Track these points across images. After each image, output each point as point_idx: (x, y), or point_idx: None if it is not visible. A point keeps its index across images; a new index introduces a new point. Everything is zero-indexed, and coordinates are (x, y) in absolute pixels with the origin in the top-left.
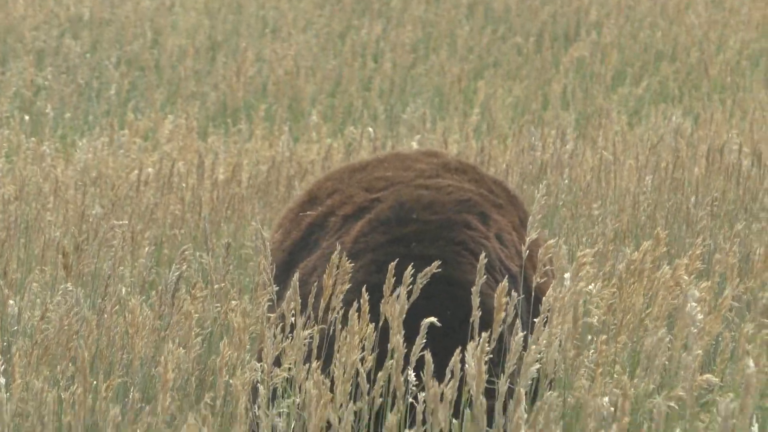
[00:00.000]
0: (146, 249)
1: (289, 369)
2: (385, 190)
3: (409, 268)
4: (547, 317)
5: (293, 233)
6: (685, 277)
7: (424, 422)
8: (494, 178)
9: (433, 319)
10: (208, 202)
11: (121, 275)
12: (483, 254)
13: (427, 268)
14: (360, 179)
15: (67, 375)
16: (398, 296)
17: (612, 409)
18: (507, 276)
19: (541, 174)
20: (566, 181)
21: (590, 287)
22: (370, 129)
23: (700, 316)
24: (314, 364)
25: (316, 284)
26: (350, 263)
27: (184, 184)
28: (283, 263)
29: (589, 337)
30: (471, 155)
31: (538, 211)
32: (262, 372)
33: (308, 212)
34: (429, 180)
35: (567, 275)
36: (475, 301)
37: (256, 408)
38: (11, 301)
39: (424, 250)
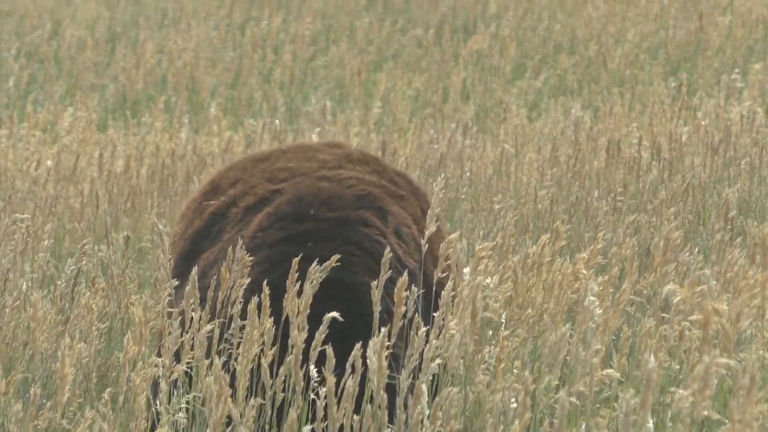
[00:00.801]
0: (45, 242)
1: (189, 363)
2: (286, 182)
3: (296, 267)
4: (445, 312)
5: (195, 222)
6: (584, 272)
7: (325, 418)
8: (397, 170)
9: (335, 314)
10: (106, 195)
11: (22, 270)
12: (387, 249)
13: (318, 267)
14: (263, 169)
15: None
16: (300, 293)
17: (514, 405)
18: (406, 271)
19: (440, 167)
20: (467, 174)
21: (488, 281)
22: (277, 121)
23: (599, 311)
24: (216, 360)
25: (216, 278)
26: (249, 257)
27: (83, 177)
28: (186, 253)
29: (490, 332)
30: (372, 148)
31: (437, 205)
32: (162, 367)
33: (211, 201)
34: (331, 171)
35: (466, 270)
36: (377, 296)
37: (157, 403)
38: None
39: (318, 251)
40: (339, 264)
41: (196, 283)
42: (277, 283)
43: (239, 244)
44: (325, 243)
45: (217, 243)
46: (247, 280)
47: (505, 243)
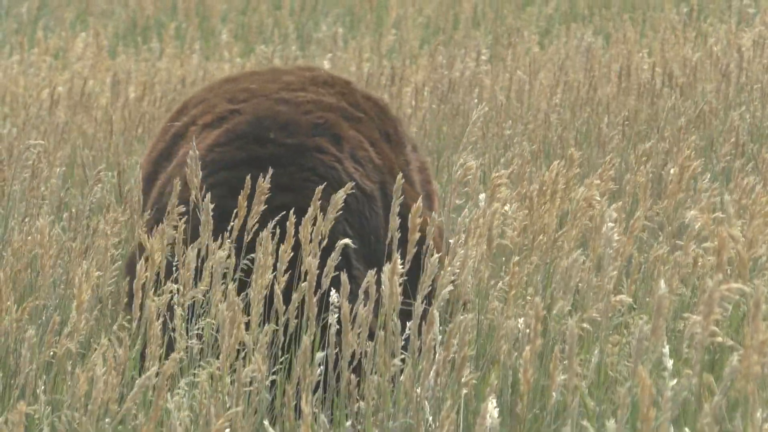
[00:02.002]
0: (58, 169)
1: (206, 290)
2: (246, 102)
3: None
4: (459, 239)
5: (159, 144)
6: (598, 198)
7: (337, 344)
8: (368, 94)
9: (347, 240)
10: (120, 121)
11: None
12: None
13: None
14: (226, 90)
15: None
16: (314, 220)
17: (526, 331)
18: (364, 193)
19: (450, 93)
20: (476, 100)
21: (506, 208)
22: (293, 48)
23: (616, 237)
24: (230, 286)
25: (171, 194)
26: (205, 174)
27: (95, 104)
28: (148, 175)
29: (503, 259)
30: (384, 75)
31: (472, 133)
32: (178, 293)
33: (175, 123)
34: (290, 94)
35: (481, 196)
36: (394, 221)
37: (171, 330)
38: None
39: (275, 177)
40: (294, 190)
41: (210, 212)
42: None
43: (194, 154)
44: (283, 169)
45: (173, 160)
46: (263, 207)
47: (521, 170)
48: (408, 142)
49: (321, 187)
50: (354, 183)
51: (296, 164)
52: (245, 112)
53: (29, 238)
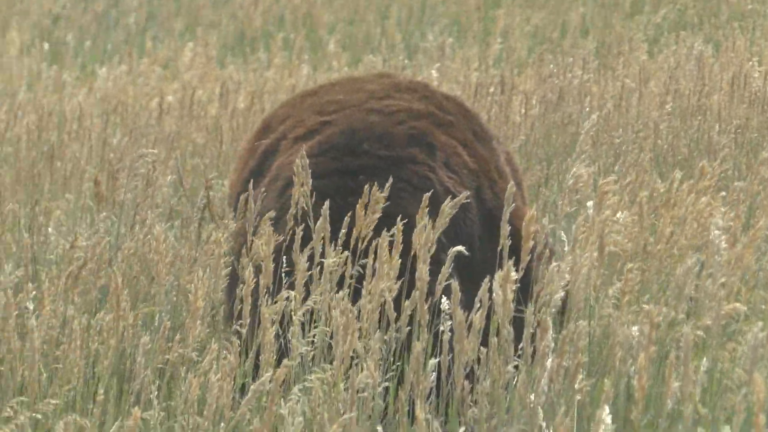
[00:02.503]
0: (168, 178)
1: (316, 299)
2: (336, 113)
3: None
4: (573, 246)
5: (249, 162)
6: (713, 203)
7: (450, 351)
8: (446, 94)
9: (461, 248)
10: (229, 131)
11: (150, 205)
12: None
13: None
14: (311, 103)
15: (95, 303)
16: (426, 227)
17: (640, 338)
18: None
19: (560, 101)
20: (587, 109)
21: (618, 215)
22: (401, 57)
23: (724, 245)
24: (341, 293)
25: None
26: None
27: (204, 113)
28: (240, 193)
29: (617, 265)
30: (492, 84)
31: (585, 142)
32: (293, 301)
33: (263, 141)
34: (379, 102)
35: (590, 203)
36: (504, 228)
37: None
38: (49, 229)
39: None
40: (390, 200)
41: (328, 218)
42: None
43: (302, 162)
44: (377, 179)
45: (267, 175)
46: (377, 216)
47: (639, 179)
48: (492, 135)
49: (428, 194)
50: (461, 193)
51: (391, 175)
52: (337, 123)
53: (144, 245)
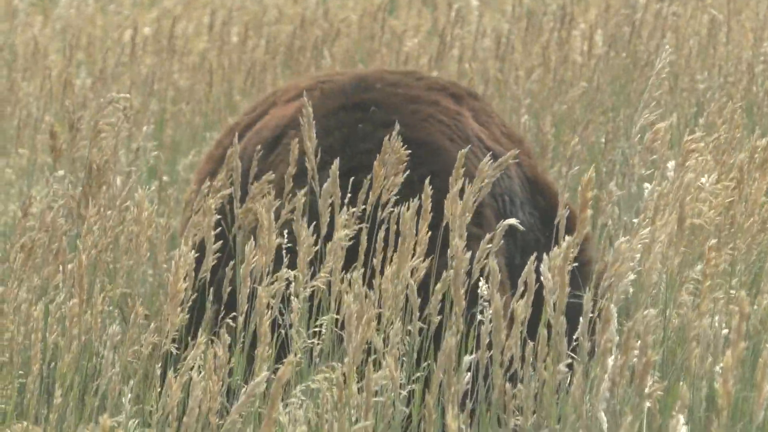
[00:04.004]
0: (144, 129)
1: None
2: (341, 75)
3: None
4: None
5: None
6: None
7: (489, 346)
8: (468, 89)
9: (513, 220)
10: (219, 71)
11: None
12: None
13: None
14: (316, 75)
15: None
16: (462, 191)
17: (725, 331)
18: (490, 153)
19: (632, 37)
20: (667, 47)
21: (702, 180)
22: None
23: None
24: (355, 273)
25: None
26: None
27: (188, 49)
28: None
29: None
30: (547, 15)
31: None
32: (294, 281)
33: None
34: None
35: (670, 164)
36: (562, 200)
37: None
38: None
39: (384, 116)
40: (409, 126)
41: (337, 179)
42: (343, 158)
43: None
44: (392, 112)
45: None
46: (401, 178)
47: (729, 135)
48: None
49: (464, 150)
50: (497, 150)
51: (410, 110)
52: (343, 74)
53: (123, 214)
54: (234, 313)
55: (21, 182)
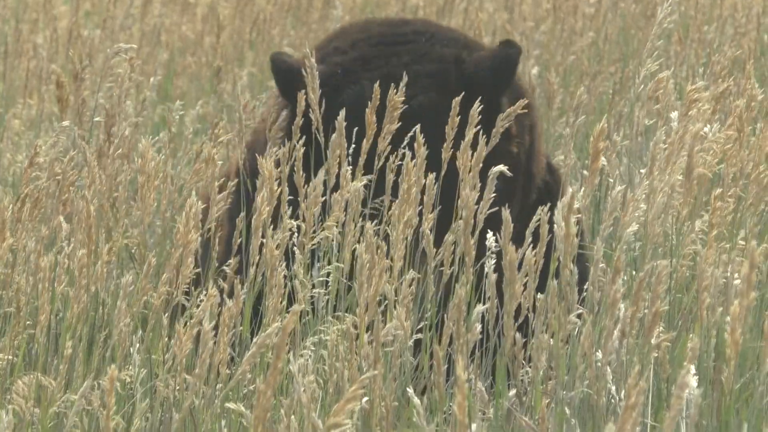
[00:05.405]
0: (151, 80)
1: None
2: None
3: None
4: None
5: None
6: None
7: (499, 297)
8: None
9: (502, 167)
10: (230, 22)
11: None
12: None
13: None
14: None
15: (62, 235)
16: (467, 139)
17: (737, 281)
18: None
19: None
20: None
21: (706, 129)
22: None
23: None
24: (367, 224)
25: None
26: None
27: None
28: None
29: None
30: None
31: (656, 37)
32: (298, 232)
33: None
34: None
35: (674, 114)
36: (570, 143)
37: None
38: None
39: (397, 57)
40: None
41: (343, 132)
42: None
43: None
44: (412, 55)
45: None
46: (396, 125)
47: (735, 85)
48: None
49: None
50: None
51: (422, 51)
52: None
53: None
54: (230, 262)
55: (29, 133)
